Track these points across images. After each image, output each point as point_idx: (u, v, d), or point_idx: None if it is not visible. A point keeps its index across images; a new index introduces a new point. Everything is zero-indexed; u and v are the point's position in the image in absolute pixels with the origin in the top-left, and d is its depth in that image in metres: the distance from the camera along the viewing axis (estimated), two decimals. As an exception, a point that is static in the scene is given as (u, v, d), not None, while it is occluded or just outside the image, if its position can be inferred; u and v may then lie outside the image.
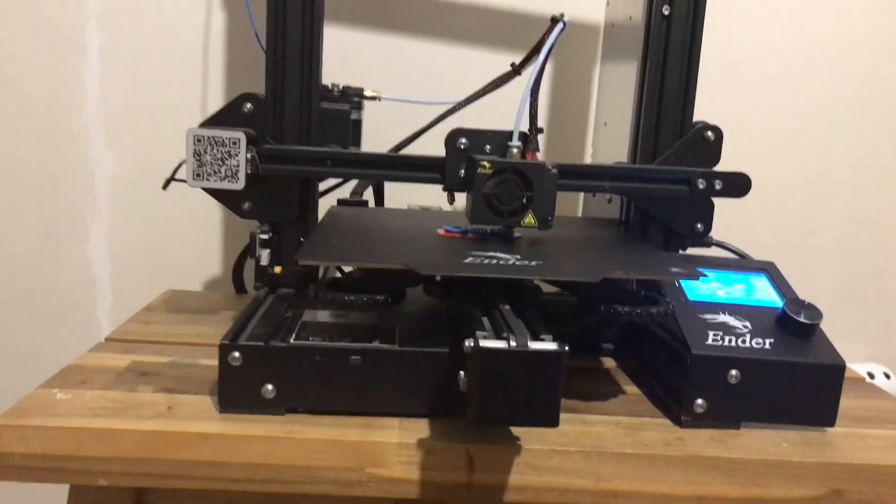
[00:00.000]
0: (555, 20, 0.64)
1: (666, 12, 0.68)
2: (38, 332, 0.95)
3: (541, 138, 0.96)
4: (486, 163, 0.61)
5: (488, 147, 0.64)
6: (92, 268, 0.94)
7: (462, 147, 0.63)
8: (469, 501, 0.53)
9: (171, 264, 0.95)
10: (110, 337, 0.70)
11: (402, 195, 0.84)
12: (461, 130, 0.64)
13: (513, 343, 0.46)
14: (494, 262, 0.56)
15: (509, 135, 0.64)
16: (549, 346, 0.46)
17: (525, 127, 0.65)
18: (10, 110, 0.90)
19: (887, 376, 1.03)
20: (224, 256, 0.95)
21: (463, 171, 0.63)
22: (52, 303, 0.94)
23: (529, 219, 0.62)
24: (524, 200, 0.61)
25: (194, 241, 0.95)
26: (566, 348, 0.46)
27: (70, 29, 0.89)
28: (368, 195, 0.85)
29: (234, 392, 0.55)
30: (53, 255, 0.93)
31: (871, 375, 1.03)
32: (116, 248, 0.94)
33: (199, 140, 0.62)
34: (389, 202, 0.86)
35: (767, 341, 0.59)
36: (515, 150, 0.64)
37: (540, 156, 0.66)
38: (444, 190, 0.65)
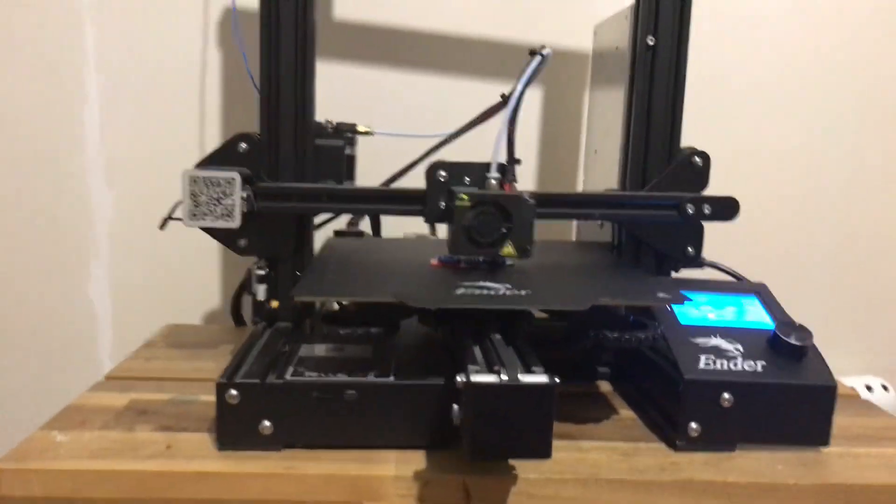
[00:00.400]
0: (533, 53, 0.65)
1: (651, 42, 0.70)
2: (41, 372, 0.95)
3: (533, 167, 0.99)
4: (464, 195, 0.62)
5: (468, 179, 0.65)
6: (93, 306, 0.95)
7: (442, 179, 0.65)
8: (467, 533, 0.54)
9: (171, 300, 0.96)
10: (110, 375, 0.71)
11: (400, 222, 0.85)
12: (441, 163, 0.65)
13: (504, 377, 0.47)
14: (485, 292, 0.56)
15: (488, 166, 0.65)
16: (540, 378, 0.47)
17: (504, 158, 0.66)
18: (10, 152, 0.92)
19: (885, 388, 1.03)
20: (223, 289, 0.96)
21: (443, 204, 0.65)
22: (54, 343, 0.95)
23: (508, 249, 0.63)
24: (503, 231, 0.62)
25: (193, 276, 0.96)
26: (557, 380, 0.47)
27: (69, 71, 0.91)
28: (366, 224, 0.87)
29: (233, 430, 0.55)
30: (55, 295, 0.95)
31: (870, 388, 1.03)
32: (117, 287, 0.95)
33: (194, 181, 0.64)
34: (388, 229, 0.87)
35: (759, 364, 0.60)
36: (494, 182, 0.65)
37: (521, 185, 0.67)
38: (426, 222, 0.66)
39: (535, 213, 0.63)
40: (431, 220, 0.66)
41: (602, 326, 0.58)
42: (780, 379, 0.58)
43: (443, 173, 0.65)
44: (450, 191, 0.64)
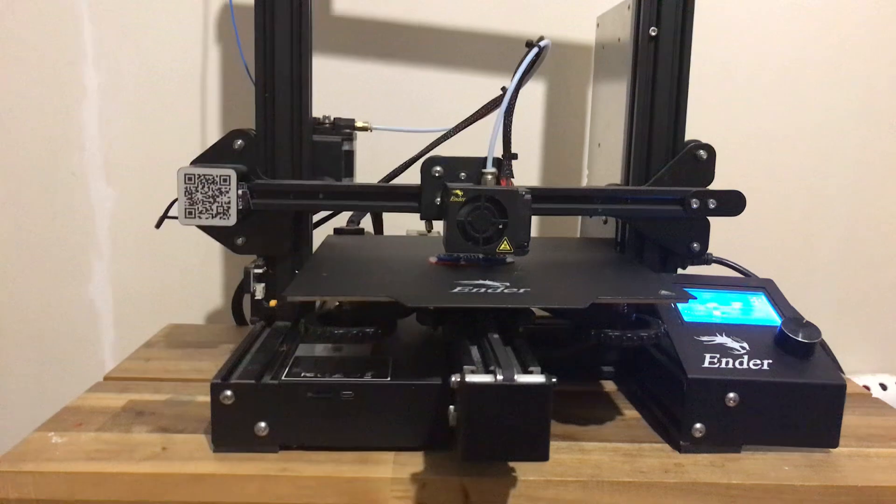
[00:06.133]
0: (529, 45, 0.64)
1: (653, 33, 0.68)
2: (43, 373, 0.95)
3: (539, 160, 0.98)
4: (458, 191, 0.61)
5: (463, 174, 0.64)
6: (95, 306, 0.95)
7: (437, 175, 0.63)
8: (465, 535, 0.53)
9: (173, 299, 0.95)
10: (109, 375, 0.71)
11: (403, 220, 0.84)
12: (436, 158, 0.64)
13: (499, 377, 0.46)
14: (482, 290, 0.55)
15: (484, 161, 0.64)
16: (536, 378, 0.46)
17: (500, 152, 0.65)
18: (10, 151, 0.91)
19: (900, 387, 1.01)
20: (225, 288, 0.96)
21: (438, 199, 0.63)
22: (56, 343, 0.95)
23: (505, 245, 0.61)
24: (499, 227, 0.61)
25: (195, 274, 0.95)
26: (554, 380, 0.46)
27: (68, 69, 0.90)
28: (367, 222, 0.86)
29: (228, 431, 0.55)
30: (56, 294, 0.94)
31: (884, 387, 1.01)
32: (118, 286, 0.95)
33: (189, 178, 0.63)
34: (391, 228, 0.86)
35: (766, 362, 0.58)
36: (490, 177, 0.64)
37: (524, 180, 0.65)
38: (421, 218, 0.65)
39: (530, 208, 0.62)
40: (427, 217, 0.65)
41: (604, 325, 0.56)
42: (787, 378, 0.57)
43: (438, 168, 0.64)
44: (445, 186, 0.63)
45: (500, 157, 0.65)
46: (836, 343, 0.76)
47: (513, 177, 0.64)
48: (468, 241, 0.61)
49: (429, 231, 0.67)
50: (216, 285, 0.96)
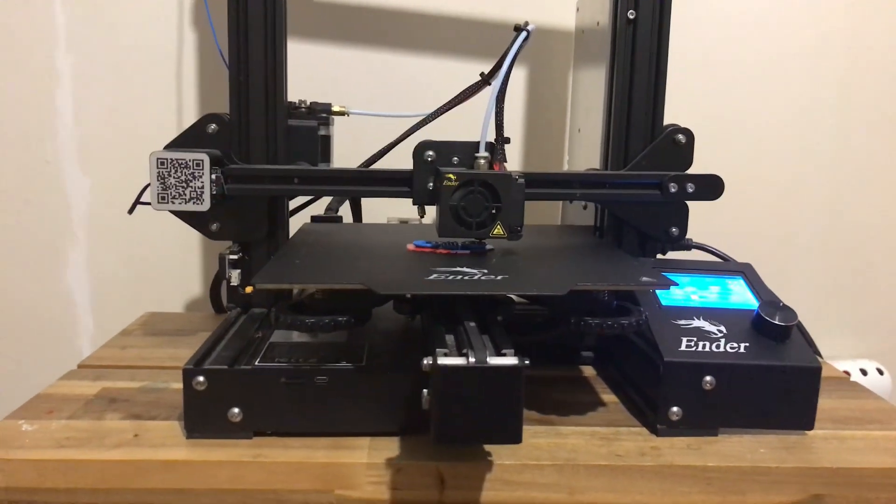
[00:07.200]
0: (518, 29, 0.63)
1: (631, 16, 0.68)
2: (19, 361, 0.94)
3: (520, 146, 0.97)
4: (452, 175, 0.60)
5: (456, 159, 0.63)
6: (72, 294, 0.94)
7: (429, 159, 0.63)
8: (441, 520, 0.53)
9: (151, 287, 0.94)
10: (83, 363, 0.70)
11: (383, 208, 0.83)
12: (428, 143, 0.63)
13: (471, 359, 0.45)
14: (459, 277, 0.55)
15: (476, 145, 0.63)
16: (508, 360, 0.46)
17: (492, 137, 0.64)
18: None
19: (880, 372, 1.02)
20: (203, 276, 0.95)
21: (431, 184, 0.63)
22: (32, 331, 0.94)
23: (498, 229, 0.61)
24: (492, 211, 0.61)
25: (173, 262, 0.94)
26: (526, 362, 0.46)
27: (41, 53, 0.89)
28: (346, 210, 0.85)
29: (201, 417, 0.54)
30: (32, 283, 0.93)
31: (864, 372, 1.02)
32: (95, 274, 0.94)
33: (162, 163, 0.62)
34: (371, 216, 0.85)
35: (742, 345, 0.58)
36: (482, 161, 0.63)
37: (508, 165, 0.65)
38: (414, 203, 0.64)
39: (524, 192, 0.62)
40: (419, 202, 0.64)
41: (584, 312, 0.56)
42: (763, 360, 0.57)
43: (430, 153, 0.63)
44: (437, 170, 0.63)
45: (492, 141, 0.64)
46: (818, 328, 0.77)
47: (506, 161, 0.64)
48: (461, 226, 0.61)
49: (421, 217, 0.67)
50: (194, 274, 0.95)
